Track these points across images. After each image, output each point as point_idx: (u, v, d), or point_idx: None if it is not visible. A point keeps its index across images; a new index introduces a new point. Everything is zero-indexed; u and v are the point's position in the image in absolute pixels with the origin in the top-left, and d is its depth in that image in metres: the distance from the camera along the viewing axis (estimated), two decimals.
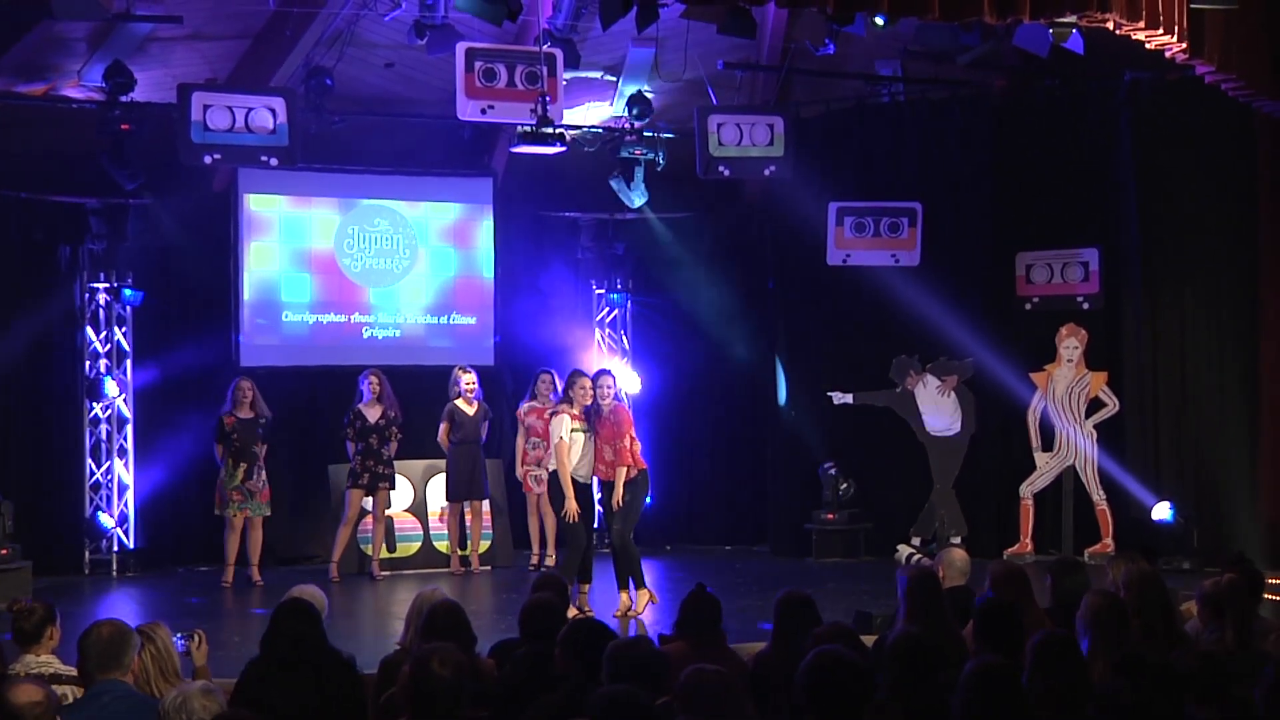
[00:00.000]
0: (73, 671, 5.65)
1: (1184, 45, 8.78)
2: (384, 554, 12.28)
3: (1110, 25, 8.56)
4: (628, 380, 13.90)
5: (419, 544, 12.60)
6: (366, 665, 5.97)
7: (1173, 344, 12.21)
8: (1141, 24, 8.45)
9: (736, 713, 4.34)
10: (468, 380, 12.29)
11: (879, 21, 9.72)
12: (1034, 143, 12.83)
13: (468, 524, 12.49)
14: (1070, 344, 12.63)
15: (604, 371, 10.40)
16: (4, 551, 10.86)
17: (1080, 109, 12.62)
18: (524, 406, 12.52)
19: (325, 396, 12.99)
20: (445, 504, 12.47)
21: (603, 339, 14.20)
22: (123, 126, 11.53)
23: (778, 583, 10.18)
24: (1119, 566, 6.49)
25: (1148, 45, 8.87)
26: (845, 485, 13.04)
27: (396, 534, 12.51)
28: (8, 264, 12.17)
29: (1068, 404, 12.60)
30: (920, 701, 4.44)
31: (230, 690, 5.59)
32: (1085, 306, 12.63)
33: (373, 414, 11.95)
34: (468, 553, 12.50)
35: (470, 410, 12.28)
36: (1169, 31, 8.61)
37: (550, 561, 12.26)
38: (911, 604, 5.90)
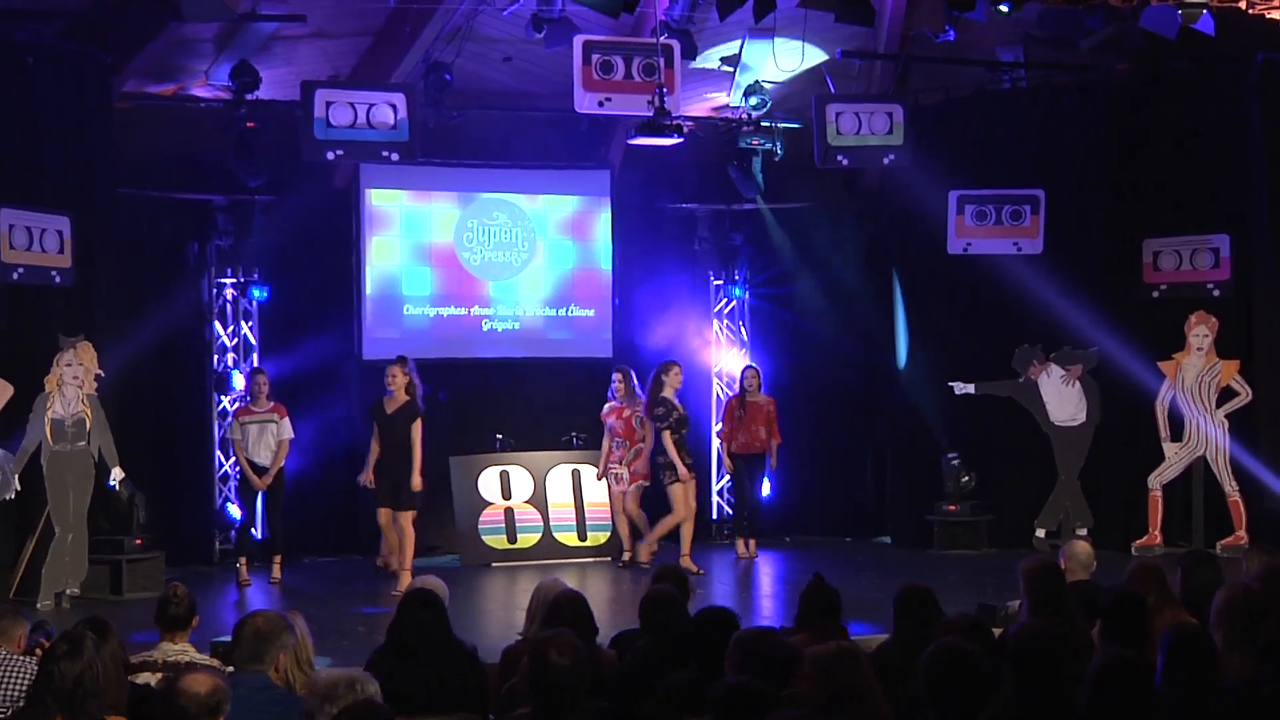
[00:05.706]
0: (208, 660, 5.76)
1: None
2: (504, 545, 12.37)
3: (1243, 4, 8.36)
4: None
5: (539, 535, 12.67)
6: (489, 656, 6.02)
7: None
8: (1276, 2, 8.23)
9: (865, 687, 4.30)
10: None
11: (1003, 9, 9.55)
12: (1160, 127, 12.56)
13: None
14: (1200, 332, 12.35)
15: (751, 365, 12.92)
16: (139, 541, 11.10)
17: (1209, 92, 12.30)
18: (605, 407, 12.35)
19: (445, 389, 13.11)
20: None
21: (721, 331, 14.17)
22: (248, 124, 11.76)
23: (899, 575, 10.11)
24: (1254, 559, 6.34)
25: None
26: (966, 478, 12.89)
27: (517, 525, 12.60)
28: (138, 261, 12.39)
29: (1198, 393, 12.32)
30: (1044, 696, 4.36)
31: None
32: (1215, 294, 12.32)
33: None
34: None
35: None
36: None
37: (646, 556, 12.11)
38: (1034, 597, 5.80)
